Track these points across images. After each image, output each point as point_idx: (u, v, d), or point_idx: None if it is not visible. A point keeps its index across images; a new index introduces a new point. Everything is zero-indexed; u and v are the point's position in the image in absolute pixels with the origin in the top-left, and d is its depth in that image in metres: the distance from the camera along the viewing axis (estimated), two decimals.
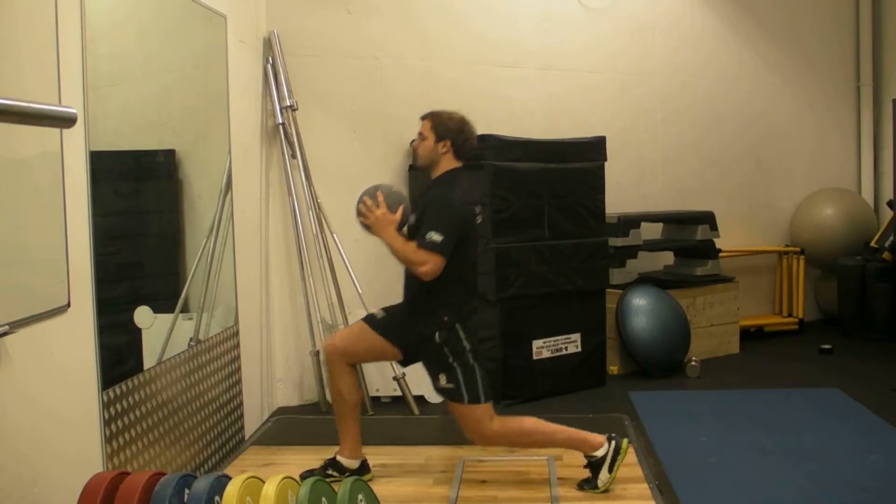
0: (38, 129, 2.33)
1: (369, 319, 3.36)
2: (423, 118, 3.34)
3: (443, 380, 3.22)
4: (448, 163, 3.29)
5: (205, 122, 3.98)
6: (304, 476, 3.07)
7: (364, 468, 3.42)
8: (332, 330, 4.77)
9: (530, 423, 3.29)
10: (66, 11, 2.62)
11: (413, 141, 3.38)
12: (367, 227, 3.22)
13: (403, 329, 3.28)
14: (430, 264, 3.08)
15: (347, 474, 3.28)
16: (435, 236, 3.07)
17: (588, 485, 3.26)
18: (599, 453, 3.25)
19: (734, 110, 6.58)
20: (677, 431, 4.24)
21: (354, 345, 3.33)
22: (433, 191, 3.26)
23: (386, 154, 5.27)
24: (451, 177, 3.28)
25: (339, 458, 3.38)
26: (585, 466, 3.29)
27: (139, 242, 3.47)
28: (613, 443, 3.27)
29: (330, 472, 3.33)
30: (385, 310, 3.39)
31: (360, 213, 3.22)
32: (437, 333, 3.18)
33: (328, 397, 4.71)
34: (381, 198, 3.18)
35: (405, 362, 3.43)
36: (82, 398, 2.72)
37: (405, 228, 3.29)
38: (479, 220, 3.32)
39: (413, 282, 3.25)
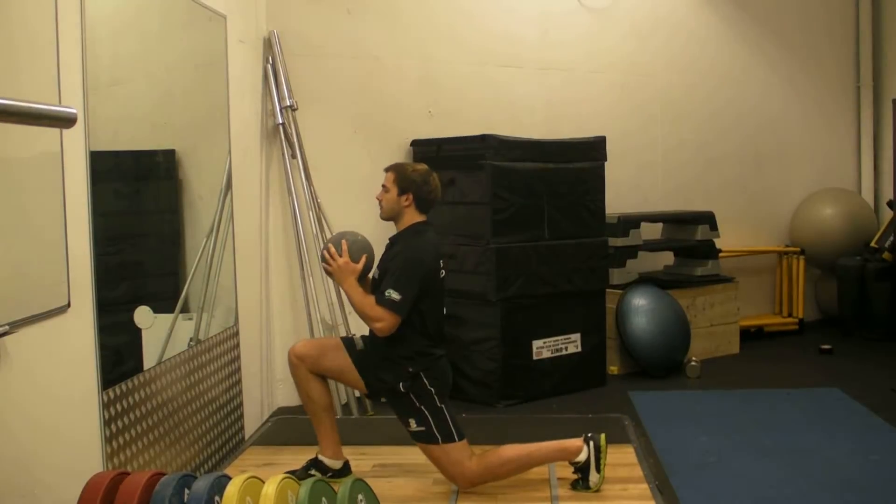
0: (38, 129, 2.32)
1: (348, 343, 3.37)
2: (387, 170, 3.31)
3: (412, 424, 3.20)
4: (411, 216, 3.26)
5: (205, 122, 3.98)
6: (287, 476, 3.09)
7: (346, 469, 3.41)
8: (332, 330, 4.76)
9: (507, 450, 3.25)
10: (66, 11, 2.62)
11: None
12: (330, 275, 3.27)
13: (373, 371, 3.27)
14: (386, 322, 3.09)
15: (329, 474, 3.29)
16: (394, 294, 3.07)
17: (581, 485, 3.26)
18: (582, 458, 3.24)
19: (734, 110, 6.58)
20: (677, 431, 4.24)
21: (321, 357, 3.31)
22: (397, 246, 3.25)
23: (385, 154, 5.25)
24: (415, 231, 3.25)
25: (321, 457, 3.37)
26: (574, 472, 3.28)
27: (139, 242, 3.47)
28: (592, 443, 3.25)
29: (312, 472, 3.30)
30: (364, 340, 3.37)
31: (323, 259, 3.26)
32: (400, 384, 3.18)
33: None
34: (345, 246, 3.20)
35: (370, 397, 3.47)
36: (82, 398, 2.72)
37: (369, 277, 3.31)
38: (442, 274, 3.28)
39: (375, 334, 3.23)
